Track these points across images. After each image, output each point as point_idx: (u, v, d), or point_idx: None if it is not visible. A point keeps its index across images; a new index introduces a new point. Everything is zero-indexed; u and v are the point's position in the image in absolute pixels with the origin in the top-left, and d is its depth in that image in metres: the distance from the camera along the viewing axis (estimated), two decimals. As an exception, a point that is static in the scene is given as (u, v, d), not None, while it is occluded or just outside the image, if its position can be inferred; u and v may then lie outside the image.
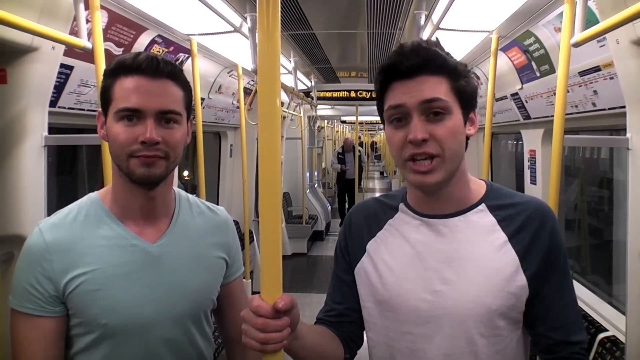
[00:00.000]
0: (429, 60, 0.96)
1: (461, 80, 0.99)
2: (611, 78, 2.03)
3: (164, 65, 1.05)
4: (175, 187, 1.24)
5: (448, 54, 1.00)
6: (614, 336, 2.16)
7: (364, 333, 1.19)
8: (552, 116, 1.86)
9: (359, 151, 9.47)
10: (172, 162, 1.08)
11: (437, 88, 0.96)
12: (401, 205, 1.13)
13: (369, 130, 19.88)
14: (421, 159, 0.97)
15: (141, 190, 1.09)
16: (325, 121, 12.15)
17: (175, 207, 1.20)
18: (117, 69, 1.05)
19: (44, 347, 1.04)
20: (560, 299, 1.02)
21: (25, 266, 1.05)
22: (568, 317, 1.03)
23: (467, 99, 1.01)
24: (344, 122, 14.07)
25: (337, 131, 16.66)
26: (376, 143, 25.30)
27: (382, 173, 21.29)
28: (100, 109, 1.10)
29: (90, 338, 1.07)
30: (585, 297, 2.76)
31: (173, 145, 1.06)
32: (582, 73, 2.20)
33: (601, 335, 2.21)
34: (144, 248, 1.10)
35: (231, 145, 4.92)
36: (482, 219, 1.04)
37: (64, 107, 2.18)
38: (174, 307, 1.12)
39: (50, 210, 1.78)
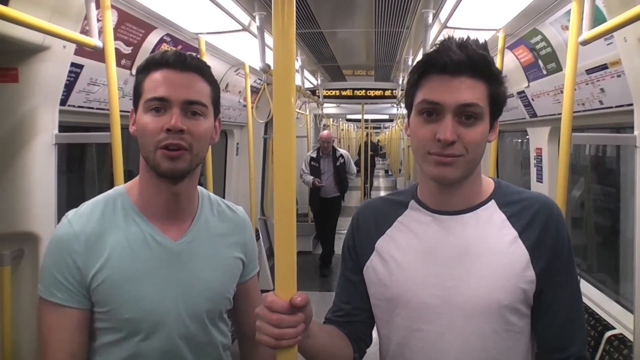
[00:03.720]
0: (474, 61, 0.96)
1: (498, 87, 1.00)
2: (618, 76, 2.03)
3: (190, 60, 1.10)
4: (198, 186, 1.26)
5: (492, 58, 0.99)
6: (621, 334, 2.16)
7: (374, 331, 1.19)
8: (559, 114, 1.86)
9: (342, 157, 6.46)
10: (196, 155, 1.10)
11: (476, 92, 0.96)
12: (412, 202, 1.13)
13: (374, 129, 19.87)
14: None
15: (166, 186, 1.11)
16: (331, 119, 12.14)
17: (198, 205, 1.22)
18: (147, 66, 1.10)
19: (70, 336, 1.06)
20: (563, 295, 1.03)
21: (55, 255, 1.07)
22: (568, 318, 1.03)
23: (499, 107, 1.02)
24: (349, 120, 14.01)
25: (342, 129, 16.63)
26: (380, 142, 25.23)
27: (386, 171, 21.25)
28: (132, 107, 1.13)
29: (113, 332, 1.09)
30: (593, 295, 2.75)
31: (197, 136, 1.08)
32: (589, 71, 2.20)
33: (608, 333, 2.20)
34: (167, 245, 1.12)
35: (237, 143, 4.93)
36: (492, 215, 1.05)
37: (74, 106, 2.19)
38: (192, 305, 1.13)
39: (60, 208, 1.80)
